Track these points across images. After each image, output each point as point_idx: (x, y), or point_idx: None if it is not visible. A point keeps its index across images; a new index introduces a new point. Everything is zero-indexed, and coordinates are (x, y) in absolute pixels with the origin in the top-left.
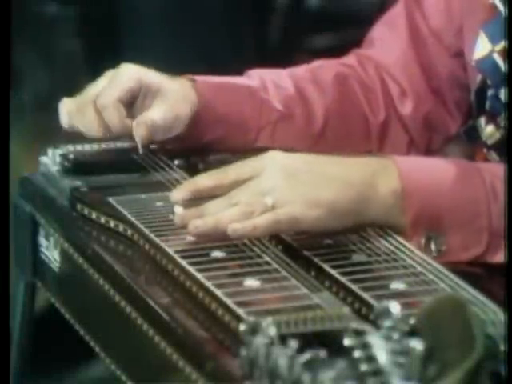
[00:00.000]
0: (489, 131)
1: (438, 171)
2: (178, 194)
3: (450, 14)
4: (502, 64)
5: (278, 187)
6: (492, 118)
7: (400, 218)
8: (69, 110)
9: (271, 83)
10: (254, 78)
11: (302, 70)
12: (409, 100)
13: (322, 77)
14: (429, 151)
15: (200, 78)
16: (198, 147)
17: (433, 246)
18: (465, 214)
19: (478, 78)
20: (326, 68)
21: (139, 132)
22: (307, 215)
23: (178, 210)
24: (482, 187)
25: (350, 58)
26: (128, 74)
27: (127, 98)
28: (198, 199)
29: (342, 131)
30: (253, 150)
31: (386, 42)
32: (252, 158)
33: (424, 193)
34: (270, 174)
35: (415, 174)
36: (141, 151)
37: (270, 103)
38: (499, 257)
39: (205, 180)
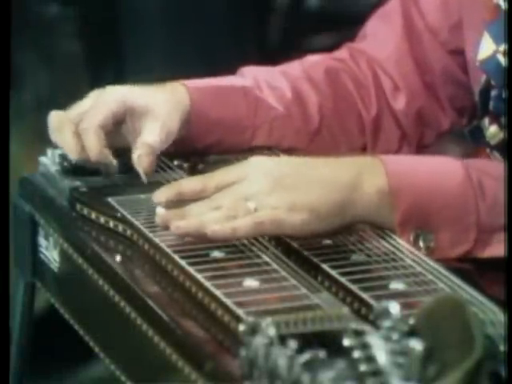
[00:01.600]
0: (492, 131)
1: (424, 170)
2: (162, 195)
3: (447, 9)
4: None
5: (261, 192)
6: (495, 119)
7: (388, 216)
8: (50, 126)
9: (265, 83)
10: (247, 76)
11: (295, 69)
12: (401, 95)
13: (315, 74)
14: (421, 146)
15: (192, 85)
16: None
17: (421, 243)
18: (453, 211)
19: (483, 78)
20: (317, 64)
21: (142, 164)
22: (291, 218)
23: (160, 210)
24: (469, 184)
25: (342, 52)
26: (112, 98)
27: (110, 122)
28: (180, 201)
29: (338, 127)
30: (252, 150)
31: (380, 35)
32: (237, 164)
33: (411, 191)
34: (253, 179)
35: (402, 172)
36: (145, 181)
37: (265, 102)
38: (487, 252)
39: (189, 183)
